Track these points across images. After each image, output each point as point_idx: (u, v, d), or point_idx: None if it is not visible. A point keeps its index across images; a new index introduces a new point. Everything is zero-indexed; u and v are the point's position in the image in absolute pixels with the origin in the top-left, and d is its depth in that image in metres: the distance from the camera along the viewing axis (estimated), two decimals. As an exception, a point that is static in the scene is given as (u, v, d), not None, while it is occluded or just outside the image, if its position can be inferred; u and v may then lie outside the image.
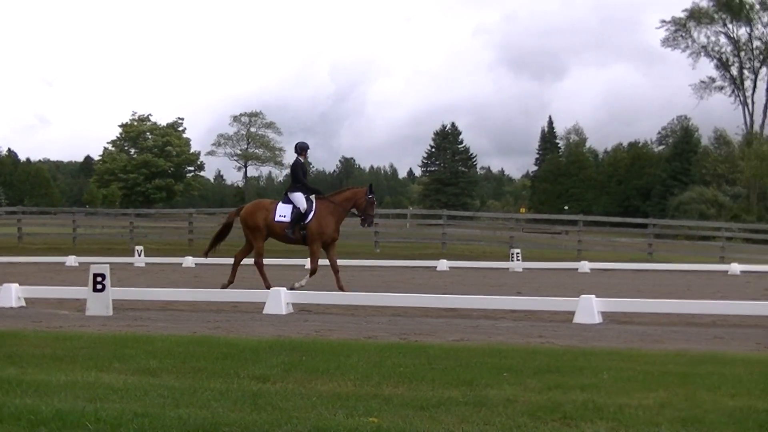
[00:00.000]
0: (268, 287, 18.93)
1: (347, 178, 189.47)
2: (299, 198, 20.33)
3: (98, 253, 35.57)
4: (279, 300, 15.99)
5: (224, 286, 19.82)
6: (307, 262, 22.18)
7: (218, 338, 11.89)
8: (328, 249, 20.55)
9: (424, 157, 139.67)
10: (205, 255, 22.32)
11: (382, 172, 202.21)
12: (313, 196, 20.59)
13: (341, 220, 20.87)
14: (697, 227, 54.02)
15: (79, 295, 16.50)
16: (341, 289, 19.36)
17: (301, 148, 21.14)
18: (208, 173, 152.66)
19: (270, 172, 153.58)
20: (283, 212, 20.33)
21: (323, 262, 20.52)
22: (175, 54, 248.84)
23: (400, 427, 6.40)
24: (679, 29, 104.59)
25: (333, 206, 20.48)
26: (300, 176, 20.79)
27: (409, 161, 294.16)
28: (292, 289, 18.27)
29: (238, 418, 6.72)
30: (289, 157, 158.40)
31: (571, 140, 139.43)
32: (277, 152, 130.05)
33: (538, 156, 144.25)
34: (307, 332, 13.14)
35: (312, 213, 20.16)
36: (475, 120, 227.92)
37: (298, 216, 20.15)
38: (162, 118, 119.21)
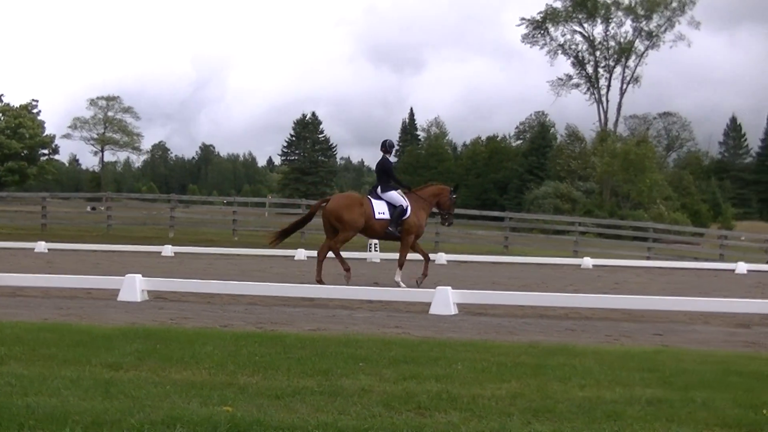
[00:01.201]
0: (347, 272, 19.63)
1: (206, 164, 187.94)
2: (397, 196, 20.36)
3: (-54, 237, 34.48)
4: (134, 287, 15.75)
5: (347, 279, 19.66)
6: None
7: (70, 325, 11.65)
8: (414, 242, 20.68)
9: (284, 146, 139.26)
10: (275, 243, 21.33)
11: (241, 159, 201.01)
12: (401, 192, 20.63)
13: (428, 214, 21.12)
14: (552, 221, 55.08)
15: (-76, 280, 15.98)
16: (425, 276, 20.09)
17: (391, 146, 21.24)
18: (63, 157, 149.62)
19: (128, 157, 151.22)
20: (381, 209, 20.14)
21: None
22: (31, 34, 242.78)
23: (254, 417, 6.37)
24: (538, 27, 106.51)
25: (422, 201, 20.65)
26: (395, 175, 21.14)
27: (269, 150, 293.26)
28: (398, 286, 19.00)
29: (89, 406, 6.60)
30: (147, 142, 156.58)
31: (431, 133, 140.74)
32: (135, 137, 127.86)
33: (398, 148, 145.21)
34: (162, 320, 12.99)
35: (409, 209, 20.29)
36: (335, 110, 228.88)
37: (400, 213, 20.13)
38: (15, 99, 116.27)
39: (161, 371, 8.20)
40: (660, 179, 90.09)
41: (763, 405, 7.11)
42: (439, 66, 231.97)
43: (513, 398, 7.31)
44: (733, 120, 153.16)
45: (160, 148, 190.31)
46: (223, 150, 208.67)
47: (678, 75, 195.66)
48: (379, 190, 20.46)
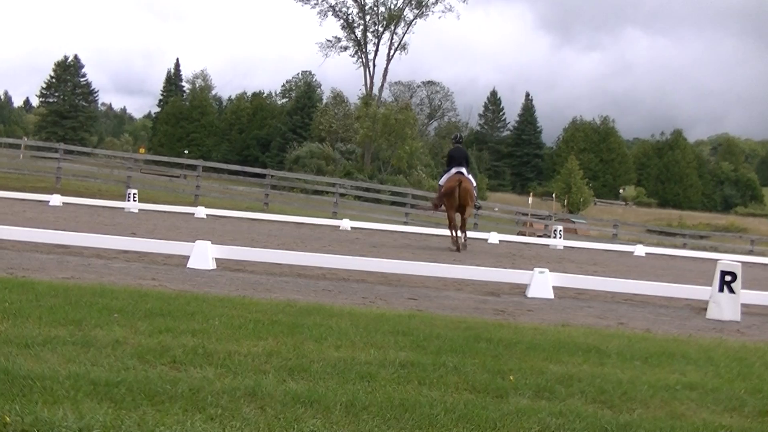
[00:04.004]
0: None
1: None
2: (473, 180, 24.39)
3: None
4: None
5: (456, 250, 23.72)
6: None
7: None
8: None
9: (43, 88, 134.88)
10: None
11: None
12: None
13: None
14: (312, 182, 55.42)
15: None
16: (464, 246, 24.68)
17: (462, 137, 26.09)
18: None
19: None
20: None
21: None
22: None
23: (2, 365, 6.15)
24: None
25: None
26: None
27: (25, 90, 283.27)
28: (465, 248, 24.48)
29: None
30: None
31: (196, 85, 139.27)
32: None
33: (161, 98, 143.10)
34: None
35: None
36: (97, 55, 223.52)
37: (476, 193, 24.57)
38: None
39: None
40: (419, 146, 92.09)
41: (510, 371, 7.37)
42: (204, 19, 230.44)
43: (269, 356, 7.30)
44: (494, 94, 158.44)
45: None
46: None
47: (442, 46, 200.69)
48: (465, 172, 23.94)
